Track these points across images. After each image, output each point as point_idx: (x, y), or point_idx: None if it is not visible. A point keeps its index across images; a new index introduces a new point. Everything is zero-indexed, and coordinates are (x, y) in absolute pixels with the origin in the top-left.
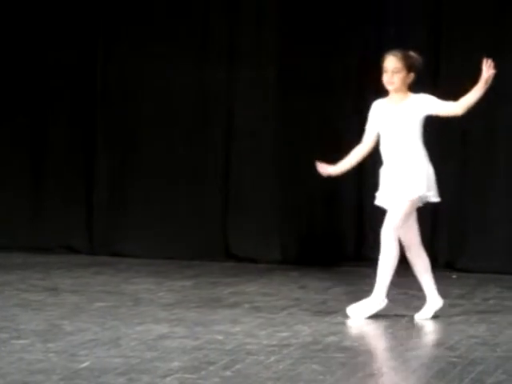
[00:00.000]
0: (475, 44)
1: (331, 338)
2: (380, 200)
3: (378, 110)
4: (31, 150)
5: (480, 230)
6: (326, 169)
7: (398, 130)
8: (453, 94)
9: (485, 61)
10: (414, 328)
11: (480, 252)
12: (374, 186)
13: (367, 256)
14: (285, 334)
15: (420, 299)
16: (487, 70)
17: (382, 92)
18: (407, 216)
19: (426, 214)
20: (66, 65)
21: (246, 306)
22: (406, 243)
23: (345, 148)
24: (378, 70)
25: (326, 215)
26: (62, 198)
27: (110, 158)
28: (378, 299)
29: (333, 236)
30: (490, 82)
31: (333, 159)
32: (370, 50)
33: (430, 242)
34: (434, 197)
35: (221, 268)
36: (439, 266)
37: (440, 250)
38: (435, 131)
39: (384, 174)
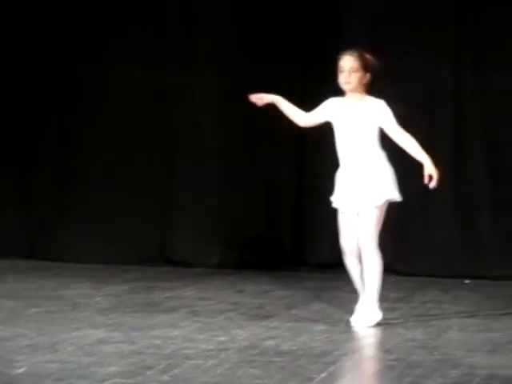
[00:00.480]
0: (410, 47)
1: (269, 342)
2: (341, 204)
3: (333, 106)
4: None
5: (418, 233)
6: (261, 99)
7: (357, 132)
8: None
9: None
10: (351, 332)
11: (418, 255)
12: (313, 190)
13: (305, 260)
14: (222, 339)
15: (356, 302)
16: (429, 177)
17: (332, 95)
18: (380, 221)
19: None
20: (15, 63)
21: (184, 310)
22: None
23: (291, 152)
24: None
25: (264, 219)
26: (5, 203)
27: (48, 162)
28: (372, 311)
29: (271, 240)
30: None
31: (278, 163)
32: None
33: None
34: (398, 197)
35: (158, 272)
36: None
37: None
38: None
39: (343, 176)
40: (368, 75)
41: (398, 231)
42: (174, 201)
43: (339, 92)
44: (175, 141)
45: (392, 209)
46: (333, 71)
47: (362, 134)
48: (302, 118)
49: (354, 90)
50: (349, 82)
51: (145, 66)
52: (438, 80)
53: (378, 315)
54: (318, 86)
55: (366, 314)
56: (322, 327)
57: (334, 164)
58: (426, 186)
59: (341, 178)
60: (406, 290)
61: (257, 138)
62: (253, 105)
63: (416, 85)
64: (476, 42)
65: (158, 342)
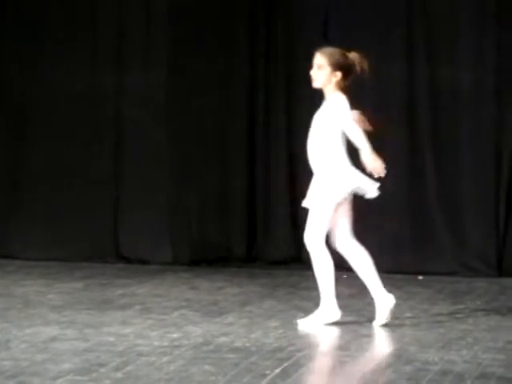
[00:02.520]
0: (363, 42)
1: (223, 339)
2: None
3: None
4: None
5: (370, 229)
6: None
7: (318, 129)
8: None
9: (377, 166)
10: (304, 328)
11: (370, 251)
12: (265, 187)
13: (258, 256)
14: (176, 335)
15: (310, 299)
16: (373, 169)
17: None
18: (326, 219)
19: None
20: None
21: (137, 307)
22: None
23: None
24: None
25: (217, 216)
26: None
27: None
28: (328, 310)
29: (224, 236)
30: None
31: (230, 160)
32: (261, 46)
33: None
34: (369, 193)
35: (111, 270)
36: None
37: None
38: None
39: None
40: (338, 73)
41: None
42: (126, 198)
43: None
44: (124, 138)
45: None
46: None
47: (321, 131)
48: None
49: (322, 87)
50: (314, 79)
51: (88, 68)
52: (392, 78)
53: (337, 314)
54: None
55: (324, 312)
56: (275, 324)
57: None
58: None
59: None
60: (359, 286)
61: (207, 135)
62: (199, 103)
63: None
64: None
65: (111, 339)
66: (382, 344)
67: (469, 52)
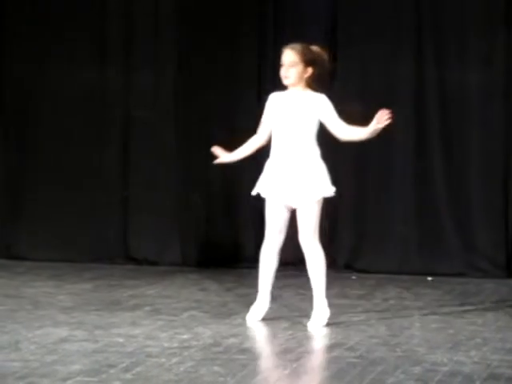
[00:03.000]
0: (372, 45)
1: (232, 340)
2: (272, 195)
3: (275, 102)
4: None
5: (377, 230)
6: (220, 154)
7: (294, 127)
8: (348, 94)
9: (380, 112)
10: (313, 328)
11: (378, 253)
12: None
13: None
14: (185, 336)
15: None
16: (379, 121)
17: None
18: (319, 215)
19: (325, 215)
20: None
21: (147, 308)
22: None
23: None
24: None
25: (226, 217)
26: None
27: (6, 159)
28: (322, 308)
29: (233, 237)
30: (378, 131)
31: (240, 160)
32: (268, 47)
33: (328, 243)
34: (333, 193)
35: (121, 271)
36: (338, 267)
37: (339, 251)
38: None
39: (275, 169)
40: (310, 69)
41: (358, 229)
42: (134, 199)
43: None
44: (132, 138)
45: (351, 206)
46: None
47: (300, 128)
48: (259, 140)
49: (294, 85)
50: (287, 77)
51: (97, 67)
52: (399, 76)
53: (327, 312)
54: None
55: (320, 314)
56: (284, 325)
57: None
58: (385, 187)
59: (273, 169)
60: (368, 287)
61: (216, 135)
62: (208, 103)
63: (377, 80)
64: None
65: (120, 340)
66: (390, 345)
67: (478, 53)
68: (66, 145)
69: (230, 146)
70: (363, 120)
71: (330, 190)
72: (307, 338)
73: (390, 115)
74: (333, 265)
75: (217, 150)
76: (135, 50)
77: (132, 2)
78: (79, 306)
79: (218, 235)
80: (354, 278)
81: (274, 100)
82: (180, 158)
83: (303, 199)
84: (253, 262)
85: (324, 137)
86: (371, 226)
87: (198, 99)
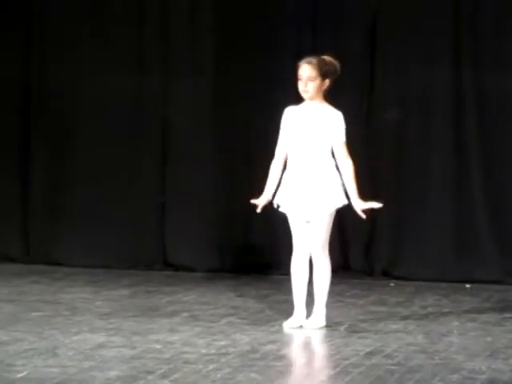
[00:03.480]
0: (409, 53)
1: (269, 347)
2: (292, 210)
3: (291, 117)
4: None
5: (416, 238)
6: (258, 202)
7: (311, 140)
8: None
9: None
10: (351, 336)
11: (417, 260)
12: None
13: None
14: (223, 343)
15: (357, 307)
16: (363, 210)
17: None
18: (330, 227)
19: (363, 223)
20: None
21: (184, 314)
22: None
23: None
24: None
25: (263, 223)
26: None
27: (45, 166)
28: (320, 318)
29: (270, 244)
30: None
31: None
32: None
33: (366, 251)
34: (345, 202)
35: (158, 277)
36: (376, 274)
37: (377, 259)
38: (373, 139)
39: (293, 182)
40: (327, 81)
41: (396, 236)
42: (172, 205)
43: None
44: (170, 144)
45: (389, 213)
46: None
47: (316, 142)
48: (280, 164)
49: (312, 98)
50: (307, 91)
51: (135, 72)
52: (436, 82)
53: (323, 322)
54: None
55: (316, 318)
56: (322, 331)
57: None
58: (424, 194)
59: (291, 183)
60: (406, 294)
61: (254, 142)
62: (244, 110)
63: (414, 87)
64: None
65: (158, 346)
66: (429, 352)
67: None
68: (104, 151)
69: (267, 154)
70: (401, 127)
71: (341, 201)
72: (345, 344)
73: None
74: (371, 272)
75: (254, 201)
76: (173, 56)
77: (170, 5)
78: (117, 312)
79: (255, 242)
80: (392, 285)
81: (290, 114)
82: (218, 164)
83: (315, 213)
84: (290, 269)
85: (364, 145)
86: (409, 233)
87: (236, 106)
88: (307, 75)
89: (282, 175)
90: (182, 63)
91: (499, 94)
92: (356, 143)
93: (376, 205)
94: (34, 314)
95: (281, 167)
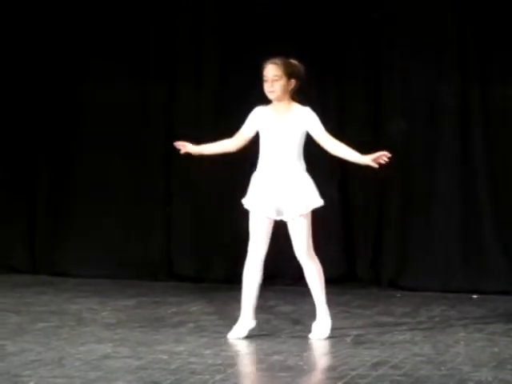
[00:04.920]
0: (415, 62)
1: (275, 357)
2: (259, 208)
3: (260, 116)
4: None
5: (422, 248)
6: (184, 146)
7: (282, 140)
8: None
9: (381, 153)
10: (358, 347)
11: (423, 270)
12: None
13: None
14: (229, 353)
15: (364, 317)
16: (376, 160)
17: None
18: (310, 228)
19: (370, 233)
20: (5, 82)
21: (190, 325)
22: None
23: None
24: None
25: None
26: (2, 216)
27: (51, 177)
28: (325, 318)
29: (274, 255)
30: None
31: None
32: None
33: (373, 261)
34: (321, 203)
35: (164, 287)
36: (383, 285)
37: (383, 269)
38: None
39: (262, 182)
40: (293, 81)
41: (402, 247)
42: (177, 215)
43: None
44: (175, 154)
45: (396, 224)
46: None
47: (287, 142)
48: (230, 144)
49: (279, 99)
50: (273, 92)
51: (138, 85)
52: (443, 95)
53: (329, 322)
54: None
55: (322, 325)
56: (328, 342)
57: None
58: (430, 205)
59: (260, 182)
60: (413, 305)
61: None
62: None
63: (420, 100)
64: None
65: (164, 356)
66: (435, 363)
67: None
68: (109, 162)
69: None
70: (407, 139)
71: (318, 202)
72: (352, 355)
73: (387, 159)
74: (377, 283)
75: (180, 143)
76: (179, 65)
77: (178, 17)
78: (123, 322)
79: None
80: (398, 295)
81: (258, 114)
82: (223, 175)
83: (292, 213)
84: (295, 280)
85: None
86: (416, 244)
87: (240, 116)
88: (272, 75)
89: (221, 153)
90: (186, 72)
91: (506, 106)
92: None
93: (384, 153)
94: (40, 324)
95: (228, 146)
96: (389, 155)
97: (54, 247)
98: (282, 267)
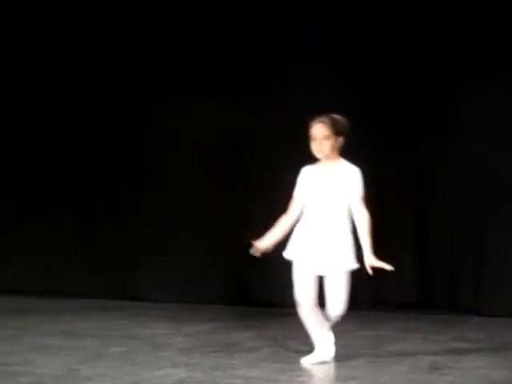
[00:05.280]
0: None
1: (351, 383)
2: (305, 260)
3: (308, 176)
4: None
5: (499, 274)
6: (257, 250)
7: (329, 198)
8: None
9: (383, 266)
10: (433, 372)
11: (499, 296)
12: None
13: (387, 299)
14: (304, 378)
15: (439, 343)
16: (374, 266)
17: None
18: (349, 286)
19: (445, 258)
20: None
21: (265, 350)
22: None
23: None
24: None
25: None
26: (76, 241)
27: (128, 201)
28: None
29: (354, 280)
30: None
31: None
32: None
33: (449, 287)
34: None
35: (238, 312)
36: (460, 310)
37: (460, 294)
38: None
39: (308, 235)
40: (340, 139)
41: (479, 272)
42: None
43: None
44: (255, 181)
45: (471, 249)
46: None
47: (333, 200)
48: (291, 219)
49: (328, 157)
50: (321, 151)
51: (222, 110)
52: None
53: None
54: None
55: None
56: (404, 367)
57: None
58: (508, 231)
59: (304, 235)
60: (488, 331)
61: None
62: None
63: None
64: None
65: (239, 381)
66: None
67: None
68: (184, 185)
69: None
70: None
71: (354, 264)
72: (427, 381)
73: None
74: (453, 308)
75: (254, 250)
76: (260, 91)
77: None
78: (197, 347)
79: None
80: (475, 321)
81: (307, 174)
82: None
83: (332, 268)
84: (372, 304)
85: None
86: (492, 269)
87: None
88: (321, 134)
89: (290, 230)
90: (268, 97)
91: None
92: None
93: (387, 267)
94: (114, 349)
95: (289, 223)
96: (391, 268)
97: (127, 272)
98: (359, 292)
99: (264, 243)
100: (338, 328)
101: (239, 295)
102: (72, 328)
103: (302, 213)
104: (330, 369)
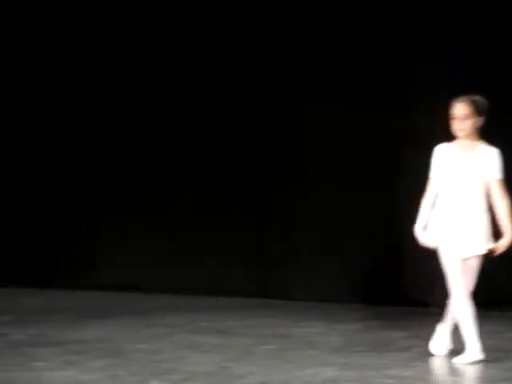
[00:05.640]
0: None
1: None
2: (455, 248)
3: (444, 155)
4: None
5: None
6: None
7: (467, 179)
8: None
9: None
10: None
11: None
12: None
13: None
14: (454, 378)
15: None
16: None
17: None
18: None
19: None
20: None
21: (418, 349)
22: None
23: None
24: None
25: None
26: (228, 243)
27: (280, 201)
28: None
29: (504, 280)
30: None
31: None
32: None
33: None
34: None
35: (391, 311)
36: None
37: None
38: None
39: (445, 219)
40: (481, 119)
41: None
42: (409, 243)
43: None
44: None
45: None
46: None
47: (470, 181)
48: (432, 200)
49: (468, 137)
50: (463, 130)
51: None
52: None
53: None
54: None
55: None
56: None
57: None
58: None
59: (446, 218)
60: None
61: None
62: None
63: None
64: None
65: (391, 381)
66: None
67: None
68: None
69: None
70: None
71: (490, 245)
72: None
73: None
74: None
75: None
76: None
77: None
78: (349, 346)
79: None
80: None
81: (442, 152)
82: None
83: (473, 251)
84: None
85: None
86: None
87: None
88: (463, 113)
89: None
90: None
91: None
92: None
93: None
94: (265, 347)
95: (433, 201)
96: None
97: (281, 271)
98: (510, 293)
99: (421, 233)
100: (485, 329)
101: (393, 294)
102: (224, 326)
103: (437, 194)
104: (481, 369)
